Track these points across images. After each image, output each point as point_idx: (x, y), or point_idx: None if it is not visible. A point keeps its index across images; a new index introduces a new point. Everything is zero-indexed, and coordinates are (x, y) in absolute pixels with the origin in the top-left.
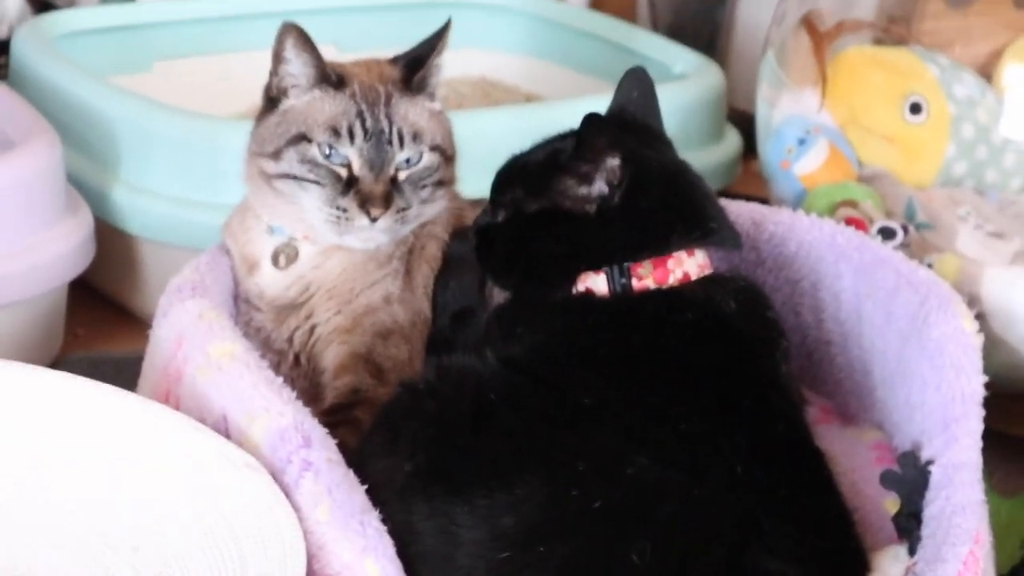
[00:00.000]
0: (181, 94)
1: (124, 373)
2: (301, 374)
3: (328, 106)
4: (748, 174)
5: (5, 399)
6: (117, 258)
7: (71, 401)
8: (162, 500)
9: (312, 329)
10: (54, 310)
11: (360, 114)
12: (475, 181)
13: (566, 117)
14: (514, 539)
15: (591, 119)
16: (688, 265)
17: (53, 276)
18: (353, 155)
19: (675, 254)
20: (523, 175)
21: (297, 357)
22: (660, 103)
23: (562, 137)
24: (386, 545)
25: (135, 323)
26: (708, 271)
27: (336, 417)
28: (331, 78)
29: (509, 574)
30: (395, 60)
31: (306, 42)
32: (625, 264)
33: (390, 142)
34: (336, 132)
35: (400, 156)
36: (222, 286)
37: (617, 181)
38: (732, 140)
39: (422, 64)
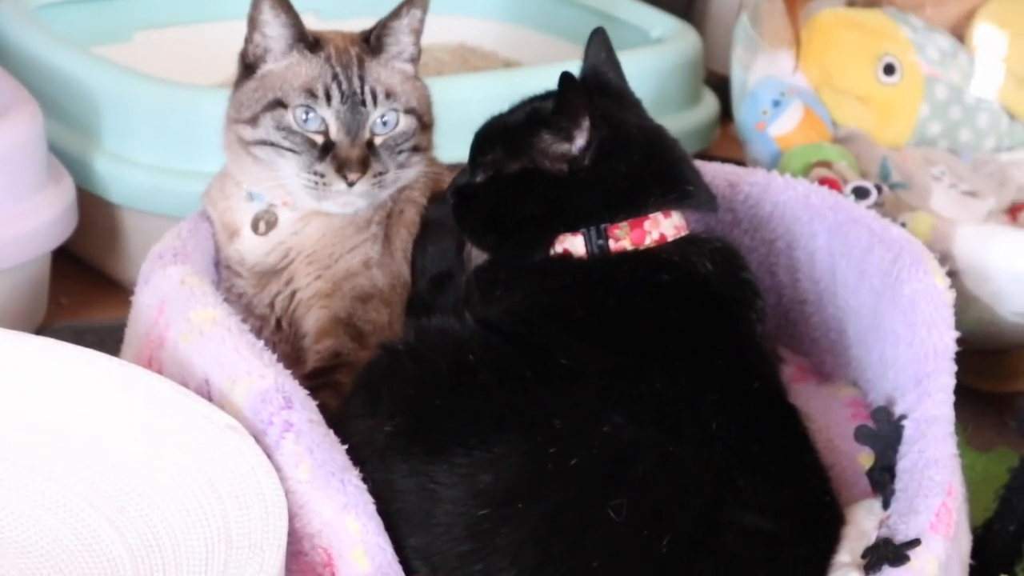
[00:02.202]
0: (162, 64)
1: (107, 341)
2: (283, 339)
3: (304, 69)
4: (726, 137)
5: None
6: (99, 227)
7: (55, 366)
8: (146, 462)
9: (293, 294)
10: (37, 279)
11: (336, 77)
12: (454, 147)
13: (544, 83)
14: (492, 496)
15: (569, 77)
16: (664, 226)
17: (36, 245)
18: (330, 117)
19: (651, 215)
20: (503, 135)
21: (279, 322)
22: (638, 68)
23: (541, 97)
24: (366, 502)
25: (118, 291)
26: (684, 232)
27: (317, 380)
28: (308, 39)
29: (488, 531)
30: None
31: (283, 2)
32: (602, 225)
33: (363, 103)
34: (312, 94)
35: (374, 115)
36: (203, 252)
37: (586, 142)
38: (709, 103)
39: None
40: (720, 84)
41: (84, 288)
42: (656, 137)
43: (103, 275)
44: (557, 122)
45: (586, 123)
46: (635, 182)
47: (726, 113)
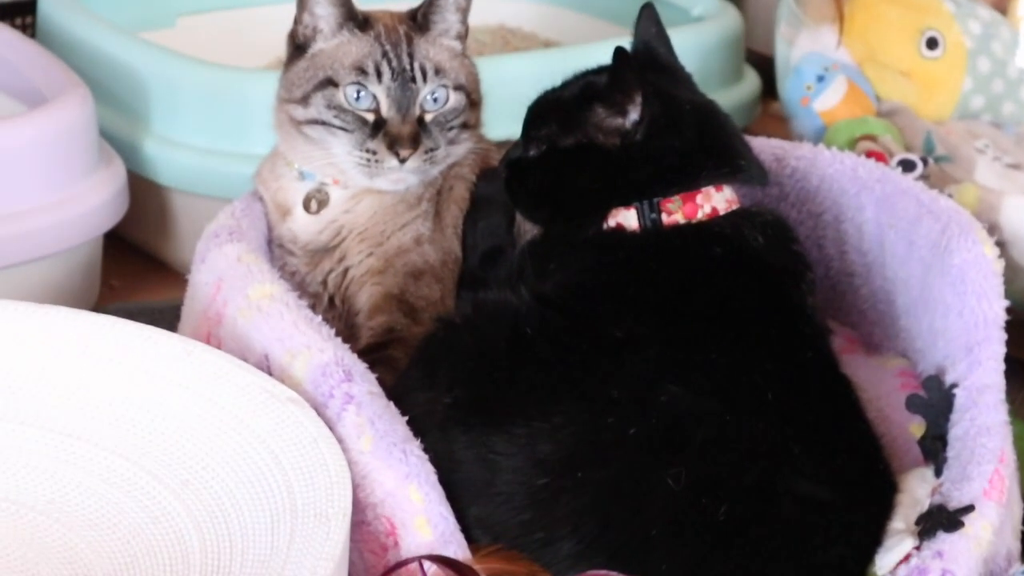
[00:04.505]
0: (204, 49)
1: (160, 322)
2: (336, 316)
3: (355, 48)
4: (767, 115)
5: (56, 342)
6: (149, 209)
7: (117, 343)
8: (210, 436)
9: (345, 272)
10: (90, 261)
11: (385, 54)
12: (496, 126)
13: (584, 63)
14: (552, 466)
15: (622, 52)
16: (716, 200)
17: (88, 227)
18: (381, 94)
19: (704, 189)
20: (556, 110)
21: (332, 299)
22: (680, 45)
23: (594, 72)
24: (428, 472)
25: (168, 273)
26: (735, 206)
27: (372, 356)
28: (358, 17)
29: (548, 499)
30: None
31: None
32: (655, 199)
33: (413, 79)
34: (363, 72)
35: (424, 91)
36: (257, 231)
37: (639, 117)
38: (751, 81)
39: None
40: (761, 63)
41: (135, 270)
42: (708, 112)
43: (153, 258)
44: (611, 97)
45: (639, 98)
46: (688, 156)
47: (767, 91)
